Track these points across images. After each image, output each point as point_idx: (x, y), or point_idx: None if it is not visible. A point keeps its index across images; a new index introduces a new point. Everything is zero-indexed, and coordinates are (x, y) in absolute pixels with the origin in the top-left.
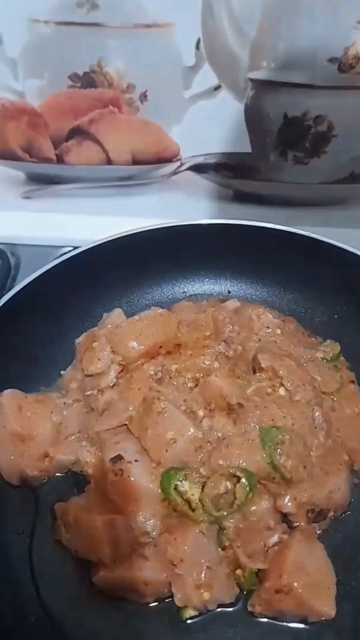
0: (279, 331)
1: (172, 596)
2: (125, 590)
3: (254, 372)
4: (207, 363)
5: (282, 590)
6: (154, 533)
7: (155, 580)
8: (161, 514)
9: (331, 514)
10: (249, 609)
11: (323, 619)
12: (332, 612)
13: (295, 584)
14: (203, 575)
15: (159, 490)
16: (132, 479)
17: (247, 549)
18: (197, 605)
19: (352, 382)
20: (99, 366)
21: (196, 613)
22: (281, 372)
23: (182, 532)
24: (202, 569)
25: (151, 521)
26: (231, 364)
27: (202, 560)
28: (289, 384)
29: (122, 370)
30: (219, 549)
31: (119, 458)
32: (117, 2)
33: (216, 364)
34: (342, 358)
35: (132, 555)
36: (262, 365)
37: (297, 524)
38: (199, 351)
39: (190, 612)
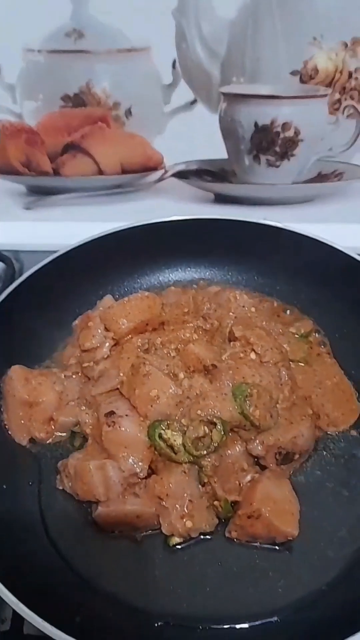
0: (253, 309)
1: (160, 527)
2: (120, 523)
3: (229, 342)
4: (187, 335)
5: (252, 515)
6: (142, 474)
7: (146, 513)
8: (148, 458)
9: (297, 456)
10: (227, 535)
11: (289, 539)
12: (295, 532)
13: (263, 510)
14: (186, 507)
15: (146, 439)
16: (123, 429)
17: (224, 486)
18: (182, 533)
19: (327, 354)
20: (94, 342)
21: (181, 540)
22: (252, 339)
23: (166, 472)
24: (185, 502)
25: (140, 464)
26: (208, 336)
27: (185, 495)
28: (258, 349)
29: (114, 345)
30: (199, 485)
31: (112, 413)
32: (100, 31)
33: (195, 336)
34: (316, 335)
35: (125, 494)
36: (236, 335)
37: (268, 465)
38: (179, 326)
39: (176, 540)
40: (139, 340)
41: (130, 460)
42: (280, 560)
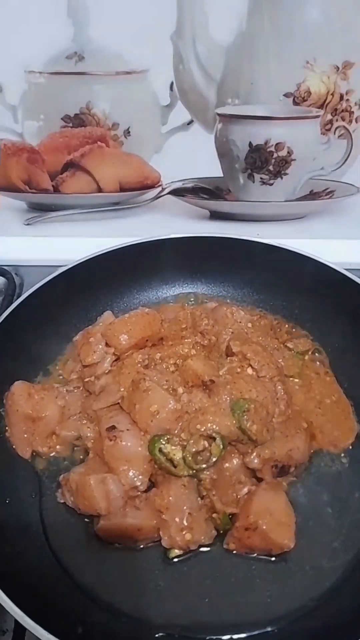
0: (250, 325)
1: (160, 540)
2: (122, 536)
3: (227, 357)
4: (186, 351)
5: (250, 527)
6: (142, 487)
7: (147, 526)
8: (148, 471)
9: (292, 469)
10: (225, 547)
11: (285, 550)
12: (291, 544)
13: (260, 522)
14: (185, 520)
15: (147, 453)
16: (124, 443)
17: (222, 499)
18: (181, 546)
19: (326, 372)
20: (95, 357)
21: (181, 552)
22: (249, 354)
23: (166, 486)
24: (185, 515)
25: (140, 477)
26: (206, 351)
27: (184, 508)
28: (255, 364)
29: (115, 360)
30: (198, 498)
31: (113, 427)
32: (100, 54)
33: (193, 351)
34: (316, 354)
35: (126, 507)
36: (234, 350)
37: (265, 478)
38: (178, 341)
39: (175, 552)
40: (139, 355)
41: (131, 474)
42: (276, 571)
